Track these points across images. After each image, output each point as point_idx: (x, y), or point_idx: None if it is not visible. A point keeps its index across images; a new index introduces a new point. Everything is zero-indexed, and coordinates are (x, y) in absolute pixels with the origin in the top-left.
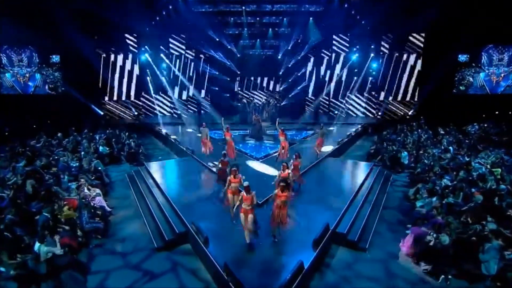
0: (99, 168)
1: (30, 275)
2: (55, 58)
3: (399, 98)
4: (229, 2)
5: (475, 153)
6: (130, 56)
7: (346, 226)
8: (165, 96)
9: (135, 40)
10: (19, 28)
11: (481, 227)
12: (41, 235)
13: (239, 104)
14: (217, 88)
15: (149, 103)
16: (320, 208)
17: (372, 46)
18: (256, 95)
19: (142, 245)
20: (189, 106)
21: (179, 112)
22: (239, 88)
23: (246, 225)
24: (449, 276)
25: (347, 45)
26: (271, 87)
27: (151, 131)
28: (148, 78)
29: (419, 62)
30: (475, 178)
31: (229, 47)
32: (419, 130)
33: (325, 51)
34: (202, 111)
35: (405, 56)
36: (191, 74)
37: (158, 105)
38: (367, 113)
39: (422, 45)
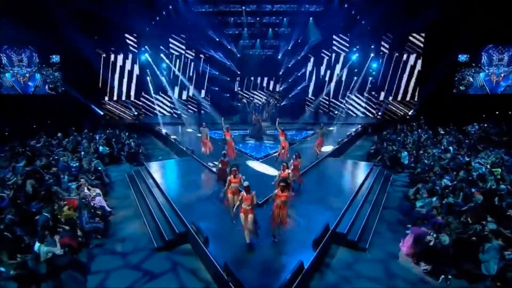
0: (99, 168)
1: (30, 275)
2: (55, 58)
3: (399, 98)
4: (229, 2)
5: (475, 153)
6: (130, 56)
7: (346, 226)
8: (165, 96)
9: (135, 40)
10: (19, 28)
11: (481, 227)
12: (41, 235)
13: (239, 104)
14: (217, 88)
15: (149, 103)
16: (320, 208)
17: (372, 46)
18: (256, 95)
19: (142, 245)
20: (189, 106)
21: (179, 112)
22: (239, 88)
23: (246, 225)
24: (449, 276)
25: (347, 45)
26: (271, 87)
27: (151, 131)
28: (148, 78)
29: (419, 62)
30: (475, 178)
31: (229, 47)
32: (419, 130)
33: (325, 51)
34: (202, 111)
35: (405, 56)
36: (191, 74)
37: (158, 105)
38: (367, 113)
39: (422, 45)
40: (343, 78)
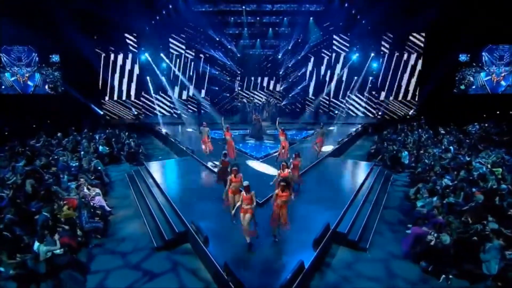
0: (99, 168)
1: (29, 274)
2: (55, 58)
3: (399, 98)
4: (229, 2)
5: (476, 152)
6: (130, 55)
7: (347, 226)
8: (165, 96)
9: (135, 40)
10: (19, 28)
11: (482, 227)
12: (40, 234)
13: (239, 104)
14: (217, 88)
15: (149, 103)
16: (320, 208)
17: (372, 46)
18: (256, 95)
19: (142, 244)
20: (189, 106)
21: (179, 112)
22: (239, 88)
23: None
24: (450, 276)
25: (347, 45)
26: (271, 87)
27: (151, 131)
28: (148, 78)
29: (420, 61)
30: (476, 178)
31: (229, 47)
32: (420, 130)
33: (325, 51)
34: (202, 111)
35: (405, 55)
36: (191, 74)
37: (158, 105)
38: (367, 113)
39: (422, 45)
40: (343, 78)
